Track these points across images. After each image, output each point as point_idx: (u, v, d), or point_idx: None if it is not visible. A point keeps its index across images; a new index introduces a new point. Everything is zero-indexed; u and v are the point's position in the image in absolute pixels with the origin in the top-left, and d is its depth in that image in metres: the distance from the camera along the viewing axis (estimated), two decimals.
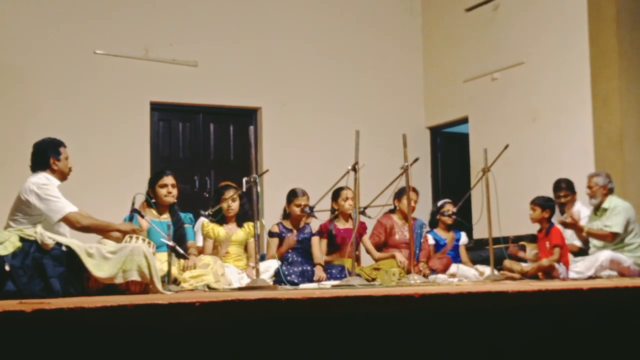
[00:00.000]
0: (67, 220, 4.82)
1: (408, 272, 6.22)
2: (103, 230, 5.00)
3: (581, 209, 7.50)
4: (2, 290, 4.08)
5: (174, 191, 6.00)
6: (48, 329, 2.43)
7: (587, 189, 7.10)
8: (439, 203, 7.66)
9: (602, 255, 6.68)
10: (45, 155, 4.97)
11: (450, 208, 7.41)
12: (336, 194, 6.84)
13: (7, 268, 4.16)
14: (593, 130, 8.37)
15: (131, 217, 5.38)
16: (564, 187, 7.46)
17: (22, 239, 4.36)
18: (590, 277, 6.52)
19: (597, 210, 7.05)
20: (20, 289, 4.12)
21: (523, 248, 7.19)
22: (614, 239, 6.83)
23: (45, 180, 4.85)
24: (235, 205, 6.41)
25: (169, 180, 6.00)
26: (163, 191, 5.95)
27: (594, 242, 7.06)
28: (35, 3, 8.59)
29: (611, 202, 6.99)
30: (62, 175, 5.03)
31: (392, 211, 7.26)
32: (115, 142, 8.79)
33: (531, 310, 3.41)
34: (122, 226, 5.06)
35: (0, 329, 2.35)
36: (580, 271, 6.63)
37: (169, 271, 5.10)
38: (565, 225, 6.86)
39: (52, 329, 2.43)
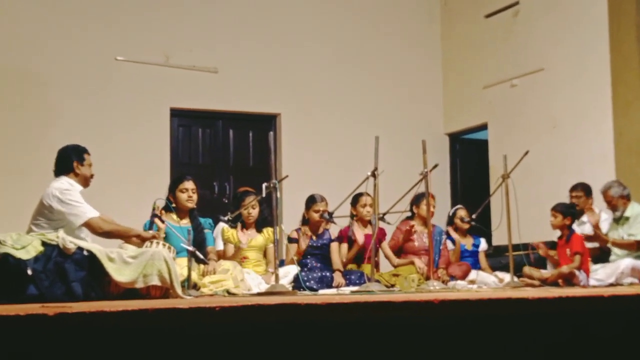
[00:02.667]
0: (88, 225, 4.86)
1: (427, 278, 6.20)
2: (124, 236, 5.04)
3: (599, 213, 7.45)
4: (25, 294, 4.11)
5: (194, 196, 6.03)
6: (70, 332, 2.45)
7: (606, 204, 7.05)
8: (451, 211, 7.65)
9: (623, 263, 6.63)
10: (70, 159, 5.03)
11: (462, 214, 7.39)
12: (355, 200, 6.85)
13: (29, 272, 4.20)
14: (613, 136, 8.32)
15: (151, 223, 5.41)
16: (578, 188, 7.39)
17: (44, 244, 4.39)
18: (611, 285, 6.48)
19: (619, 219, 7.00)
20: (42, 293, 4.15)
21: (543, 257, 7.14)
22: (639, 248, 6.77)
23: (67, 185, 4.90)
24: (255, 212, 6.42)
25: (189, 184, 6.03)
26: (184, 196, 5.98)
27: (615, 249, 7.01)
28: (57, 10, 8.68)
29: (633, 209, 6.95)
30: (85, 181, 5.08)
31: (410, 217, 7.25)
32: (135, 148, 8.85)
33: (551, 318, 3.39)
34: (143, 233, 5.10)
35: (24, 332, 2.37)
36: (601, 278, 6.59)
37: (188, 276, 5.12)
38: (590, 238, 6.81)
39: (74, 332, 2.45)
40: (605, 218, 7.38)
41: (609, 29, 8.43)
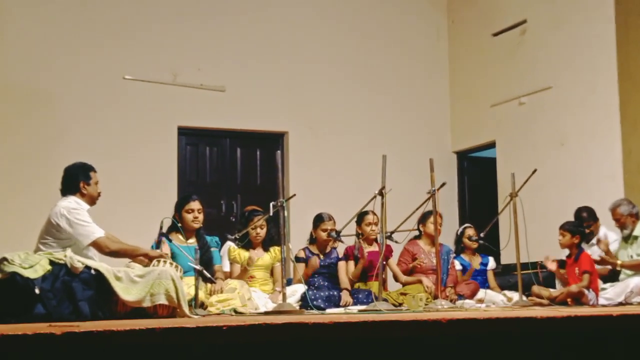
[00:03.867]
0: (96, 245, 4.86)
1: (435, 297, 6.18)
2: (131, 255, 5.04)
3: (608, 234, 7.41)
4: (32, 313, 4.11)
5: (200, 216, 6.02)
6: (78, 351, 2.44)
7: (615, 222, 7.02)
8: (459, 229, 7.62)
9: (632, 282, 6.59)
10: (76, 179, 5.03)
11: (471, 232, 7.37)
12: (360, 219, 6.84)
13: (37, 291, 4.20)
14: (622, 155, 8.30)
15: (158, 242, 5.41)
16: (586, 217, 7.35)
17: (52, 263, 4.40)
18: (620, 304, 6.43)
19: (628, 238, 6.96)
20: (49, 312, 4.14)
21: (552, 275, 7.10)
22: None
23: (75, 204, 4.91)
24: (262, 232, 6.42)
25: (195, 205, 6.02)
26: (189, 216, 5.98)
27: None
28: (65, 28, 8.73)
29: None
30: (92, 200, 5.08)
31: (417, 237, 7.24)
32: (143, 167, 8.86)
33: (560, 337, 3.37)
34: (150, 252, 5.10)
35: (32, 351, 2.37)
36: (610, 297, 6.54)
37: (196, 295, 5.11)
38: (599, 262, 6.77)
39: (81, 351, 2.45)
40: (614, 239, 7.35)
41: (616, 47, 8.43)
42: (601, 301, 6.47)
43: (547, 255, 6.71)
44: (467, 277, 7.23)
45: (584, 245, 6.89)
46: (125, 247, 5.02)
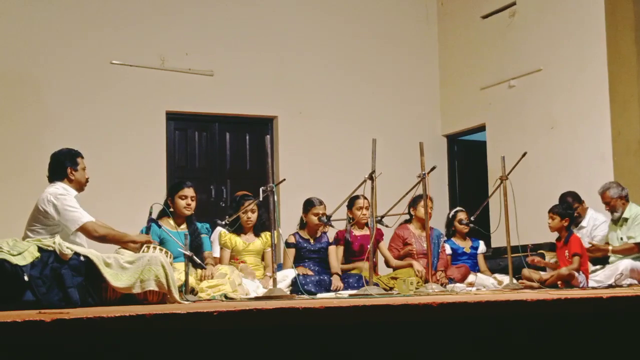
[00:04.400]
0: (84, 229, 4.84)
1: (426, 281, 6.19)
2: (119, 241, 5.02)
3: (596, 217, 7.44)
4: (21, 300, 4.09)
5: (193, 204, 6.01)
6: (67, 338, 2.43)
7: (605, 205, 7.04)
8: (451, 213, 7.63)
9: (622, 264, 6.62)
10: (63, 165, 5.00)
11: (462, 216, 7.38)
12: (351, 203, 6.84)
13: (25, 278, 4.17)
14: (611, 136, 8.31)
15: (148, 228, 5.39)
16: (572, 201, 7.36)
17: (40, 249, 4.37)
18: (610, 286, 6.46)
19: (618, 221, 6.98)
20: (39, 299, 4.12)
21: (542, 256, 7.13)
22: (639, 250, 6.77)
23: (62, 190, 4.88)
24: (254, 216, 6.41)
25: (189, 192, 6.01)
26: (182, 203, 5.96)
27: None
28: (52, 14, 8.65)
29: (631, 210, 6.93)
30: (79, 186, 5.05)
31: (408, 221, 7.24)
32: (131, 152, 8.82)
33: (550, 319, 3.38)
34: (137, 237, 5.08)
35: (21, 339, 2.35)
36: (600, 280, 6.58)
37: (186, 281, 5.10)
38: (591, 250, 6.79)
39: (71, 338, 2.43)
40: (602, 221, 7.38)
41: (606, 29, 8.43)
42: (591, 284, 6.49)
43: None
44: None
45: (573, 228, 6.90)
46: (113, 233, 5.01)
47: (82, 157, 5.12)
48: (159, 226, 5.54)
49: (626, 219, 6.92)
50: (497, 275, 7.08)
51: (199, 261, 5.29)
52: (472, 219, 7.12)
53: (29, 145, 8.22)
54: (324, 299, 5.15)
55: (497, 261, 7.63)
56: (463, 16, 10.41)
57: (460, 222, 7.35)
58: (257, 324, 2.74)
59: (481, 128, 10.17)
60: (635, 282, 6.58)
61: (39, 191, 4.98)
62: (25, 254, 4.30)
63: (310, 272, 6.44)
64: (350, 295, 5.48)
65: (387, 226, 6.35)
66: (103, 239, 4.97)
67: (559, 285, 6.36)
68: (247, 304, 3.28)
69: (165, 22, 9.18)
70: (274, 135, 9.71)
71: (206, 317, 2.64)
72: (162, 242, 5.57)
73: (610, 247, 6.85)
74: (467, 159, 10.76)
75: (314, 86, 9.90)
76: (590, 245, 6.86)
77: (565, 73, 8.91)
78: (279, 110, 9.74)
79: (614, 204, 6.96)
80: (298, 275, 6.09)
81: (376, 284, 5.85)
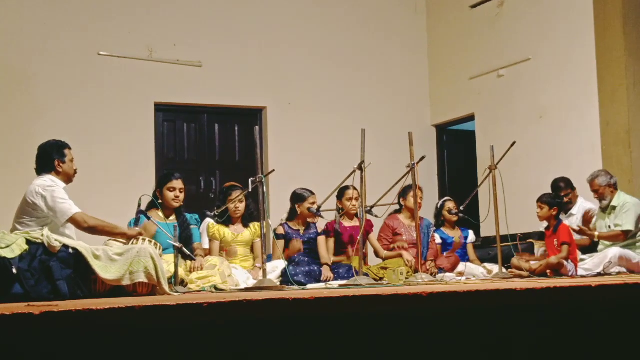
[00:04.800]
0: (74, 220, 4.82)
1: (416, 271, 6.20)
2: (109, 232, 5.00)
3: (585, 205, 7.48)
4: (10, 293, 4.07)
5: (181, 196, 5.98)
6: (56, 331, 2.42)
7: (594, 193, 7.07)
8: (440, 202, 7.64)
9: (610, 252, 6.66)
10: (50, 157, 4.97)
11: (451, 206, 7.39)
12: (341, 194, 6.84)
13: (14, 271, 4.15)
14: (600, 126, 8.34)
15: (137, 219, 5.37)
16: (564, 187, 7.43)
17: (29, 242, 4.35)
18: (599, 274, 6.50)
19: (606, 209, 7.02)
20: (27, 292, 4.11)
21: (531, 245, 7.15)
22: (626, 237, 6.82)
23: (50, 182, 4.86)
24: (242, 206, 6.40)
25: (177, 184, 5.98)
26: (170, 195, 5.94)
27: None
28: (39, 5, 8.60)
29: (619, 199, 6.97)
30: (67, 177, 5.03)
31: (397, 211, 7.25)
32: (119, 144, 8.79)
33: (540, 308, 3.39)
34: (129, 231, 5.06)
35: (10, 331, 2.34)
36: (589, 268, 6.61)
37: (175, 272, 5.10)
38: (578, 232, 6.84)
39: (60, 331, 2.43)
40: (592, 209, 7.41)
41: (594, 19, 8.44)
42: (580, 272, 6.53)
43: (516, 265, 6.67)
44: (452, 252, 7.26)
45: (562, 216, 6.93)
46: (103, 224, 4.98)
47: (70, 149, 5.09)
48: (148, 218, 5.52)
49: (614, 207, 6.96)
50: (487, 265, 7.10)
51: (188, 253, 5.29)
52: (461, 208, 7.14)
53: (16, 137, 8.17)
54: (314, 289, 5.15)
55: (486, 250, 7.66)
56: (451, 6, 10.41)
57: (449, 211, 7.37)
58: (246, 315, 2.74)
59: (470, 118, 10.18)
60: (624, 269, 6.62)
61: (27, 183, 4.96)
62: (13, 247, 4.27)
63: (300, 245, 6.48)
64: (340, 286, 5.48)
65: (376, 216, 6.35)
66: (93, 230, 4.95)
67: (548, 274, 6.38)
68: (237, 295, 3.28)
69: (153, 13, 9.13)
70: (263, 126, 9.69)
71: (196, 309, 2.64)
72: None
73: (596, 233, 6.90)
74: (456, 148, 10.78)
75: (303, 77, 9.89)
76: (578, 228, 6.90)
77: (554, 63, 8.93)
78: (268, 101, 9.72)
79: (603, 192, 6.99)
80: (288, 265, 6.09)
81: (366, 274, 5.85)
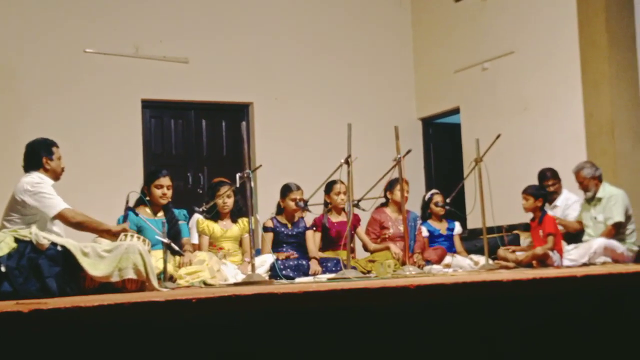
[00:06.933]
0: (62, 216, 4.82)
1: (403, 263, 6.23)
2: (95, 229, 5.00)
3: (569, 197, 7.53)
4: None
5: (169, 193, 5.97)
6: (45, 329, 2.43)
7: (578, 184, 7.12)
8: (427, 195, 7.67)
9: (595, 243, 6.70)
10: (38, 155, 4.97)
11: (438, 199, 7.43)
12: (329, 188, 6.85)
13: (2, 269, 4.16)
14: (584, 118, 8.39)
15: (125, 216, 5.37)
16: (550, 176, 7.48)
17: (17, 240, 4.36)
18: (584, 265, 6.55)
19: (591, 200, 7.06)
20: (16, 290, 4.11)
21: (517, 237, 7.21)
22: (618, 230, 6.85)
23: (38, 179, 4.86)
24: (230, 202, 6.41)
25: (165, 181, 5.97)
26: (158, 192, 5.93)
27: (588, 229, 7.09)
28: (24, 3, 8.56)
29: (604, 190, 7.00)
30: (55, 175, 5.03)
31: (384, 204, 7.27)
32: (107, 141, 8.77)
33: (526, 299, 3.43)
34: (113, 227, 5.06)
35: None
36: (574, 259, 6.65)
37: (164, 268, 5.10)
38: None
39: (49, 329, 2.44)
40: (575, 200, 7.46)
41: (577, 11, 8.48)
42: (565, 262, 6.58)
43: (504, 266, 6.67)
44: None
45: (546, 207, 6.98)
46: (90, 220, 4.97)
47: (57, 147, 5.08)
48: (136, 214, 5.52)
49: (600, 199, 7.00)
50: (474, 256, 7.14)
51: (177, 248, 5.30)
52: (447, 201, 7.18)
53: (3, 136, 8.15)
54: (303, 283, 5.18)
55: (473, 242, 7.70)
56: (436, 0, 10.43)
57: (436, 204, 7.40)
58: (236, 310, 2.75)
59: (455, 111, 10.22)
60: (609, 259, 6.67)
61: (14, 181, 4.94)
62: (1, 245, 4.29)
63: (294, 255, 6.47)
64: (329, 280, 5.51)
65: (363, 210, 6.37)
66: (80, 225, 4.94)
67: (534, 265, 6.43)
68: (226, 291, 3.30)
69: (139, 10, 9.11)
70: (250, 121, 9.70)
71: (185, 305, 2.66)
72: (139, 230, 5.56)
73: (587, 230, 6.97)
74: (442, 141, 10.81)
75: (289, 72, 9.89)
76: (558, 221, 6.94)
77: (538, 55, 8.97)
78: (254, 96, 9.72)
79: (587, 183, 7.03)
80: (276, 260, 6.10)
81: (354, 268, 5.88)
